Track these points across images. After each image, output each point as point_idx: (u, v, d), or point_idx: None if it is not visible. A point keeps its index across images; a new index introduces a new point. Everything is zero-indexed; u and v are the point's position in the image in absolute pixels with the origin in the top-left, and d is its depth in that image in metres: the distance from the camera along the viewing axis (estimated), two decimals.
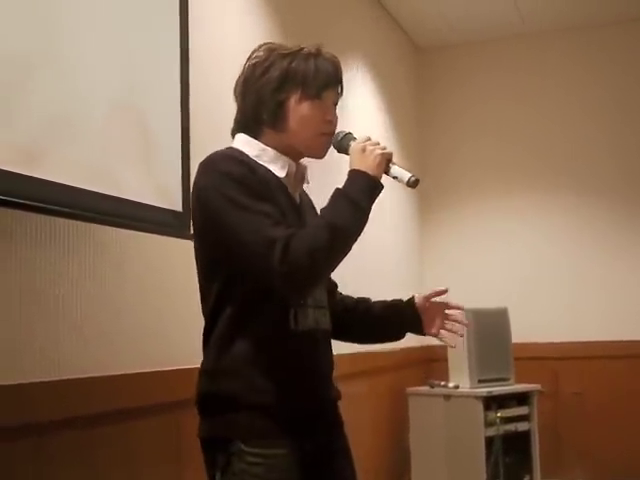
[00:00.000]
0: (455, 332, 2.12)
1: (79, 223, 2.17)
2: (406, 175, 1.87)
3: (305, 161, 2.00)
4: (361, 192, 1.78)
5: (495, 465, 4.74)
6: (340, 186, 1.80)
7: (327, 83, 1.89)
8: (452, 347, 2.18)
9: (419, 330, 2.14)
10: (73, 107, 2.05)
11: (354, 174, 1.81)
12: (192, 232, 1.91)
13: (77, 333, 2.19)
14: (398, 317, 2.14)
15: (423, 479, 4.98)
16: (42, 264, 2.08)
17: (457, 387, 4.95)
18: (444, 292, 2.12)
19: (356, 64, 5.02)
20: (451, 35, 6.18)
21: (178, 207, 2.47)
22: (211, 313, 1.84)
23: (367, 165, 1.81)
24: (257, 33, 3.45)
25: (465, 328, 2.13)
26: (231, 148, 1.90)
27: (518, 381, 5.14)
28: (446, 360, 5.17)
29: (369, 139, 1.87)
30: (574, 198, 5.97)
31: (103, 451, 2.25)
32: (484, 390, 4.84)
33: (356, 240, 1.78)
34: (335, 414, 1.99)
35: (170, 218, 2.44)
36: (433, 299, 2.13)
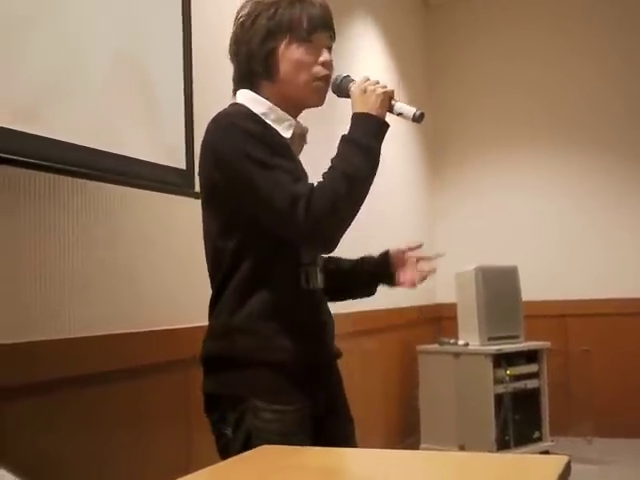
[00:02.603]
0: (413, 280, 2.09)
1: (83, 181, 2.16)
2: (411, 110, 1.82)
3: (304, 118, 1.97)
4: (368, 134, 1.77)
5: (504, 422, 4.77)
6: (346, 132, 1.79)
7: (315, 26, 1.85)
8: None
9: (392, 281, 2.12)
10: (75, 65, 2.03)
11: (358, 117, 1.79)
12: (201, 191, 1.88)
13: (85, 293, 2.19)
14: (371, 270, 2.13)
15: (432, 436, 5.01)
16: (47, 222, 2.07)
17: (467, 345, 4.96)
18: (418, 247, 2.11)
19: (365, 21, 4.96)
20: None
21: (182, 165, 2.45)
22: (224, 272, 1.83)
23: (370, 106, 1.78)
24: None
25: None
26: (237, 105, 1.87)
27: (528, 339, 5.15)
28: (456, 318, 5.18)
29: (368, 79, 1.84)
30: (586, 153, 5.94)
31: (112, 409, 2.26)
32: (494, 348, 4.85)
33: (372, 182, 1.77)
34: (337, 370, 2.00)
35: (175, 176, 2.42)
36: (408, 254, 2.11)
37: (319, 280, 1.90)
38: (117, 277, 2.35)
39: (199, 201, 1.90)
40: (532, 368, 5.05)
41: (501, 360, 4.85)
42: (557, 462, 1.35)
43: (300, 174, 1.78)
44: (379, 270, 2.12)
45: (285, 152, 1.80)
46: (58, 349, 2.05)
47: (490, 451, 4.59)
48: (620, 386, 5.55)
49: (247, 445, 1.72)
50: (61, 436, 2.05)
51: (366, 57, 4.92)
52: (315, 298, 1.89)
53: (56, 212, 2.10)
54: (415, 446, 5.01)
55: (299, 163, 1.91)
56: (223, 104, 1.87)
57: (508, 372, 4.86)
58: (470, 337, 5.00)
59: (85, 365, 2.13)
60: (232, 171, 1.76)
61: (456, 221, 6.17)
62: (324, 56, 1.87)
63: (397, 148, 5.39)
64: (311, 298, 1.87)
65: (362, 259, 2.16)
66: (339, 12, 4.44)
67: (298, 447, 1.65)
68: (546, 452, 4.92)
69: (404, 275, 2.10)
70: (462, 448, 4.75)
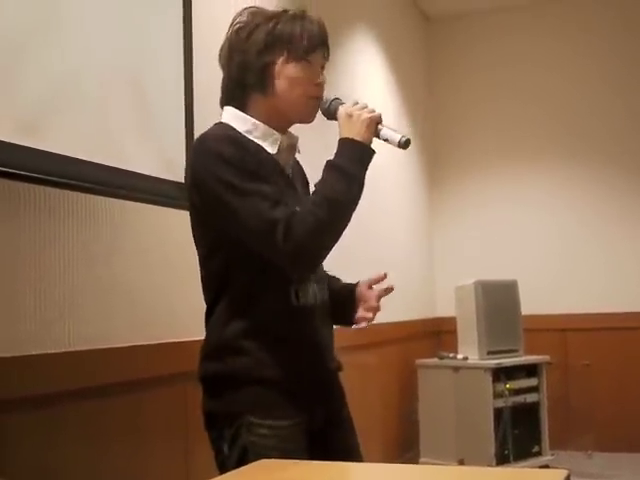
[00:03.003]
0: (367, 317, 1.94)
1: (81, 195, 2.16)
2: (396, 136, 1.81)
3: (295, 128, 1.97)
4: (352, 161, 1.76)
5: (504, 436, 4.75)
6: (331, 157, 1.79)
7: (314, 45, 1.86)
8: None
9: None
10: (74, 78, 2.03)
11: (343, 143, 1.79)
12: (189, 212, 1.89)
13: (84, 307, 2.19)
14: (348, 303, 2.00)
15: (432, 451, 4.99)
16: (46, 234, 2.07)
17: (466, 359, 4.95)
18: (383, 278, 1.98)
19: (366, 35, 4.97)
20: (460, 4, 6.11)
21: (181, 178, 2.45)
22: (214, 292, 1.85)
23: (355, 131, 1.78)
24: (263, 4, 3.40)
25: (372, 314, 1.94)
26: (221, 124, 1.87)
27: (528, 352, 5.13)
28: (455, 332, 5.17)
29: (356, 103, 1.84)
30: (588, 166, 5.92)
31: (111, 423, 2.25)
32: (493, 362, 4.83)
33: (355, 209, 1.77)
34: (338, 384, 2.00)
35: (175, 190, 2.42)
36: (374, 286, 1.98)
37: (311, 295, 1.88)
38: (115, 290, 2.34)
39: None
40: (532, 382, 5.03)
41: (500, 374, 4.84)
42: (556, 476, 1.34)
43: (280, 197, 1.74)
44: (345, 308, 1.99)
45: (268, 171, 1.80)
46: (56, 362, 2.05)
47: (489, 465, 4.58)
48: (621, 400, 5.54)
49: (243, 460, 1.72)
50: (59, 449, 2.04)
51: (367, 70, 4.94)
52: (307, 314, 1.87)
53: (56, 224, 2.10)
54: (414, 460, 5.00)
55: (284, 181, 1.87)
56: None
57: (507, 386, 4.84)
58: (469, 351, 4.99)
59: (83, 378, 2.12)
60: (207, 196, 1.78)
61: (456, 233, 6.16)
62: (319, 77, 1.88)
63: (396, 159, 5.40)
64: (302, 315, 1.85)
65: (343, 289, 2.03)
66: (340, 26, 4.48)
67: (295, 461, 1.65)
68: (546, 466, 4.90)
69: (359, 313, 1.95)
70: (461, 462, 4.73)
